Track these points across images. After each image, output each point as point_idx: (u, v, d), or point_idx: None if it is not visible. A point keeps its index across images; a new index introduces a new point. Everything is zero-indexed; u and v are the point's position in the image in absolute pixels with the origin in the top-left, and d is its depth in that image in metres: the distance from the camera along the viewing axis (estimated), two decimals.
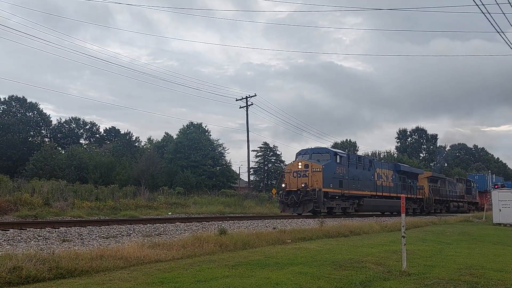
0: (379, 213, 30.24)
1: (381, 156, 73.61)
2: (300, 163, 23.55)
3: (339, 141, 77.22)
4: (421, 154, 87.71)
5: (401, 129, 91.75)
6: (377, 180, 28.25)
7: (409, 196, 31.68)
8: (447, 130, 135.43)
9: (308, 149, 25.42)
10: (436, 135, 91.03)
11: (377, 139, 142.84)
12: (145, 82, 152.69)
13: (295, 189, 22.90)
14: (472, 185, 47.20)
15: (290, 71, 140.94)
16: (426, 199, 34.50)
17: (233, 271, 6.48)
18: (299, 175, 23.14)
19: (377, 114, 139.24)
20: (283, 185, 23.98)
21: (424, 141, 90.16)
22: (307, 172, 22.89)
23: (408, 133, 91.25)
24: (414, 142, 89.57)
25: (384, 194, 28.61)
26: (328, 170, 23.18)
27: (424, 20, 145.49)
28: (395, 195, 29.79)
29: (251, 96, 40.31)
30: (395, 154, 77.19)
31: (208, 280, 5.78)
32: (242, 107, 40.45)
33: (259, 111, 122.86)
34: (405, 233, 7.12)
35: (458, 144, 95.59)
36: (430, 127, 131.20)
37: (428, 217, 28.34)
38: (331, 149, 25.41)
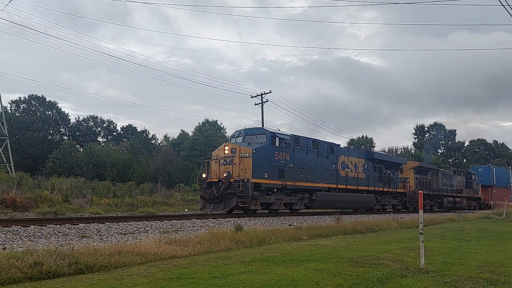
0: (339, 210, 23.27)
1: (398, 153, 72.73)
2: (226, 147, 18.71)
3: (355, 137, 76.62)
4: (439, 150, 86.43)
5: (418, 124, 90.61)
6: (341, 170, 23.16)
7: (385, 189, 27.05)
8: (469, 125, 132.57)
9: (243, 129, 20.22)
10: (455, 130, 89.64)
11: (396, 135, 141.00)
12: (160, 80, 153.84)
13: (217, 180, 18.00)
14: (473, 178, 41.49)
15: (305, 67, 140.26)
16: (410, 194, 29.73)
17: (249, 268, 6.50)
18: (225, 163, 18.23)
19: (395, 110, 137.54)
20: (204, 176, 18.87)
21: (442, 136, 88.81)
22: (234, 158, 18.05)
23: (426, 128, 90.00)
24: (432, 138, 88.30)
25: (349, 187, 23.54)
26: (261, 156, 18.16)
27: (443, 13, 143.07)
28: (366, 188, 25.11)
29: (266, 93, 40.26)
30: (412, 151, 76.23)
31: (225, 276, 5.81)
32: (257, 104, 40.44)
33: (274, 107, 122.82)
34: (423, 230, 7.04)
35: (477, 139, 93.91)
36: (450, 122, 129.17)
37: (447, 214, 27.81)
38: (268, 129, 19.78)
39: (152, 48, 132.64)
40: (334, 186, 22.36)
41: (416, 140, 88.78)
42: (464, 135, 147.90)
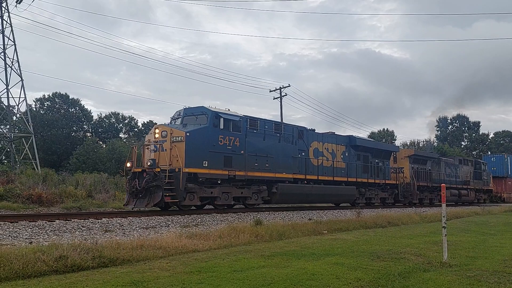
0: (306, 205, 22.00)
1: (420, 146, 71.54)
2: (157, 130, 15.48)
3: (376, 130, 75.69)
4: (462, 143, 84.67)
5: (441, 116, 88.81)
6: (313, 159, 20.14)
7: (371, 180, 23.84)
8: (493, 117, 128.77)
9: (182, 109, 16.86)
10: (479, 122, 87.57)
11: (418, 128, 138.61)
12: (179, 76, 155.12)
13: (141, 170, 14.73)
14: (483, 168, 37.54)
15: (324, 60, 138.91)
16: (403, 186, 26.62)
17: (269, 261, 6.52)
18: (155, 149, 15.16)
19: (418, 101, 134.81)
20: (128, 165, 15.45)
21: (466, 128, 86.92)
22: (165, 143, 14.95)
23: (449, 120, 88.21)
24: (455, 130, 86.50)
25: (322, 178, 20.29)
26: (197, 140, 15.05)
27: (466, 1, 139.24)
28: (345, 179, 21.75)
29: (285, 87, 40.11)
30: (435, 143, 74.90)
31: (245, 270, 5.85)
32: (276, 98, 40.35)
33: (293, 101, 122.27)
34: (445, 223, 6.92)
35: (502, 131, 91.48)
36: (474, 114, 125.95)
37: (471, 207, 27.16)
38: (211, 108, 16.19)
39: (171, 45, 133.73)
40: (302, 176, 19.23)
41: (439, 132, 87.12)
42: (488, 127, 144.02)
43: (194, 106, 16.62)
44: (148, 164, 14.56)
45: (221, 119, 15.93)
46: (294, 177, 18.72)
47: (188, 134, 14.84)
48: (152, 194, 14.10)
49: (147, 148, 15.66)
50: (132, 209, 15.38)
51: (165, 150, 14.80)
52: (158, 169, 14.19)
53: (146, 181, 14.01)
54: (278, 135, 18.39)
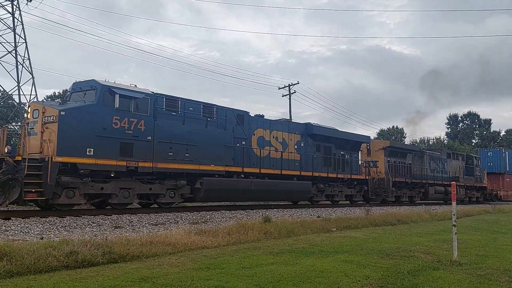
0: (240, 203, 18.41)
1: (430, 143, 71.00)
2: (29, 109, 12.96)
3: (385, 127, 75.23)
4: (473, 141, 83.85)
5: (451, 114, 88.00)
6: (256, 149, 17.18)
7: (333, 175, 20.51)
8: (505, 115, 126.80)
9: (74, 83, 13.80)
10: (490, 119, 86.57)
11: (429, 125, 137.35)
12: (188, 73, 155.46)
13: None
14: (476, 163, 33.87)
15: (334, 57, 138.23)
16: (375, 181, 23.31)
17: (277, 259, 6.53)
18: (30, 132, 12.26)
19: (430, 99, 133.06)
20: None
21: (477, 126, 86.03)
22: (37, 125, 12.15)
23: (460, 118, 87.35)
24: (466, 128, 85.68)
25: (266, 171, 17.11)
26: (77, 121, 11.99)
27: None
28: (297, 173, 18.62)
29: (294, 84, 40.02)
30: (445, 141, 74.21)
31: (253, 266, 5.86)
32: (285, 95, 40.28)
33: (302, 99, 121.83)
34: (456, 221, 6.87)
35: None
36: (486, 112, 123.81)
37: (481, 206, 26.84)
38: (102, 82, 13.07)
39: (181, 42, 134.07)
40: (239, 169, 16.13)
41: (449, 129, 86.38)
42: (500, 124, 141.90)
43: (85, 80, 13.55)
44: (6, 151, 11.89)
45: (117, 96, 12.63)
46: (227, 170, 15.56)
47: (63, 113, 11.74)
48: (10, 190, 11.11)
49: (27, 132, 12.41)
50: None
51: (36, 133, 12.02)
52: (19, 158, 11.16)
53: (2, 173, 11.04)
54: (208, 119, 15.32)
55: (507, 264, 6.58)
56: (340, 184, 21.25)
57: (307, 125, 20.21)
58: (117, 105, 12.65)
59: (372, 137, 28.38)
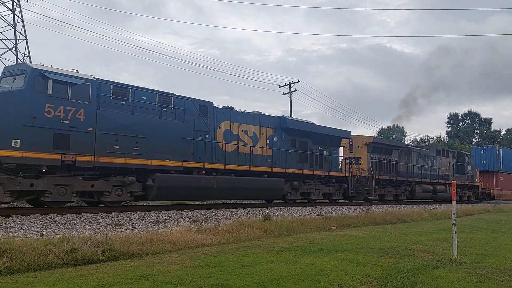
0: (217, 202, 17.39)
1: (430, 142, 70.95)
2: None
3: (385, 126, 75.19)
4: (473, 140, 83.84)
5: (452, 113, 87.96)
6: (221, 143, 15.87)
7: (308, 172, 19.14)
8: (505, 114, 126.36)
9: (5, 67, 12.95)
10: (490, 119, 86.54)
11: (430, 124, 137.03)
12: (188, 71, 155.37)
13: None
14: (467, 160, 32.35)
15: (335, 55, 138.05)
16: (357, 179, 22.05)
17: (277, 257, 6.53)
18: None
19: (431, 97, 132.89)
20: None
21: (477, 125, 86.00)
22: None
23: (460, 117, 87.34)
24: (466, 127, 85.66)
25: (231, 167, 15.76)
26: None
27: None
28: (268, 169, 17.26)
29: (295, 82, 40.01)
30: (445, 140, 74.18)
31: (253, 264, 5.87)
32: (286, 93, 40.27)
33: (303, 97, 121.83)
34: (456, 220, 6.88)
35: None
36: (487, 111, 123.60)
37: (481, 205, 26.83)
38: (33, 65, 11.82)
39: (181, 39, 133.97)
40: (199, 165, 14.68)
41: (450, 129, 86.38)
42: (500, 124, 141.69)
43: (16, 64, 11.83)
44: None
45: (50, 81, 11.34)
46: (186, 165, 14.17)
47: None
48: None
49: None
50: None
51: None
52: None
53: None
54: (163, 109, 13.91)
55: (507, 263, 6.59)
56: (317, 182, 19.88)
57: (281, 118, 19.01)
58: (50, 91, 11.33)
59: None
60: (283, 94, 40.66)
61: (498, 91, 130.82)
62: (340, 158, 22.45)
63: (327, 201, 21.43)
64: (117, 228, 9.66)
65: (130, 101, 13.15)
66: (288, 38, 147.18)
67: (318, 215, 14.68)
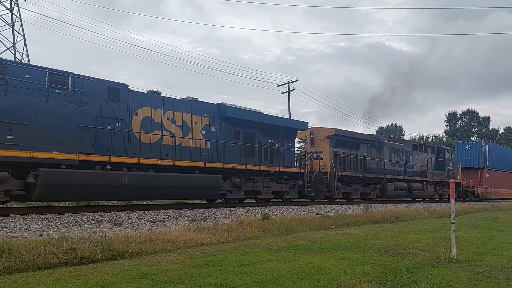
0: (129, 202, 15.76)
1: (429, 141, 71.02)
2: None
3: (384, 125, 75.25)
4: (472, 138, 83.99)
5: (450, 111, 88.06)
6: (136, 132, 13.53)
7: (253, 168, 16.72)
8: (503, 112, 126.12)
9: None
10: (489, 117, 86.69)
11: (428, 123, 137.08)
12: (187, 70, 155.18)
13: None
14: (448, 156, 29.93)
15: (333, 54, 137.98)
16: (315, 175, 20.17)
17: (276, 256, 6.54)
18: None
19: (430, 96, 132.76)
20: None
21: (476, 124, 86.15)
22: None
23: (459, 115, 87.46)
24: (465, 125, 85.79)
25: (147, 161, 13.32)
26: None
27: None
28: (201, 164, 14.81)
29: (293, 81, 40.01)
30: (444, 138, 74.29)
31: (252, 263, 5.87)
32: (284, 92, 40.26)
33: (301, 96, 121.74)
34: (454, 219, 6.89)
35: None
36: (485, 109, 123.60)
37: (480, 203, 26.82)
38: None
39: (180, 38, 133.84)
40: (103, 158, 12.31)
41: (448, 127, 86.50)
42: (498, 122, 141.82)
43: None
44: None
45: None
46: (83, 158, 11.82)
47: None
48: None
49: None
50: None
51: None
52: None
53: None
54: (56, 91, 11.67)
55: (505, 261, 6.60)
56: (266, 179, 17.45)
57: (220, 106, 16.42)
58: None
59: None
60: (281, 93, 40.70)
61: (496, 90, 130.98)
62: (299, 152, 20.63)
63: (280, 200, 19.21)
64: (116, 228, 9.66)
65: (3, 79, 10.80)
66: (287, 37, 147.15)
67: (317, 214, 14.71)
